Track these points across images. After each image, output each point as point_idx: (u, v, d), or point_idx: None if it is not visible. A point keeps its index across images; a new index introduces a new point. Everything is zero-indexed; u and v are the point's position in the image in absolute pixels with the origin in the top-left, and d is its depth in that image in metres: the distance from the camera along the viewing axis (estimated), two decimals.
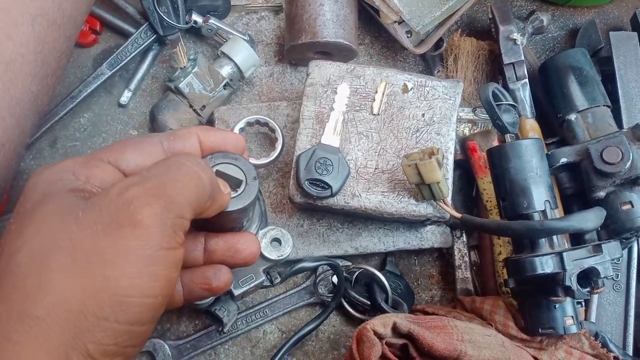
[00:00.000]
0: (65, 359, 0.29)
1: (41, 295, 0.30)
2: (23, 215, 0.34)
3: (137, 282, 0.31)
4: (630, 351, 0.58)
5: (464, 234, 0.63)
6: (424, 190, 0.53)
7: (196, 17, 0.66)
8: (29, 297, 0.30)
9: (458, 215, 0.54)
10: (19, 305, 0.30)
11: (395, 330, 0.49)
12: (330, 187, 0.54)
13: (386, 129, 0.57)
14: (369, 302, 0.60)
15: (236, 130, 0.60)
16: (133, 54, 0.65)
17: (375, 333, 0.48)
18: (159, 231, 0.32)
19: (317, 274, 0.62)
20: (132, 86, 0.67)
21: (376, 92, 0.57)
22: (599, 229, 0.54)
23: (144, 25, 0.65)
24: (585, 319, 0.58)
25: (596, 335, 0.54)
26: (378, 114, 0.57)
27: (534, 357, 0.50)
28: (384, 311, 0.59)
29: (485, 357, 0.46)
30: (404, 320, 0.48)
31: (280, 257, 0.51)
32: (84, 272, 0.30)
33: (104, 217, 0.31)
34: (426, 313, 0.58)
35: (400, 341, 0.48)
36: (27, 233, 0.32)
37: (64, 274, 0.30)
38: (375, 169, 0.56)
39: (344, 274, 0.61)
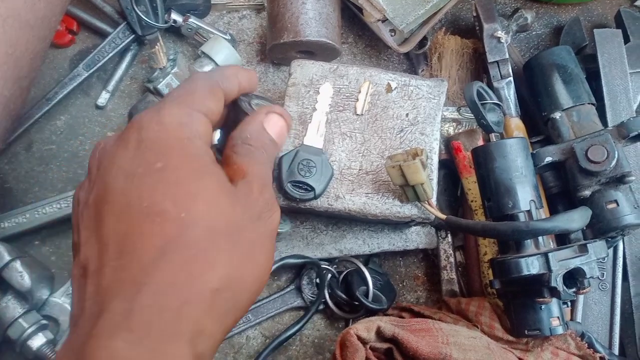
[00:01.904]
0: (222, 327, 0.34)
1: (215, 270, 0.33)
2: (176, 175, 0.34)
3: (269, 267, 0.37)
4: (616, 350, 0.58)
5: (449, 235, 0.62)
6: (408, 191, 0.52)
7: (175, 16, 0.64)
8: (206, 270, 0.32)
9: (443, 216, 0.53)
10: (197, 276, 0.32)
11: (380, 334, 0.48)
12: (313, 189, 0.53)
13: (370, 130, 0.56)
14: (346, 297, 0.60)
15: (217, 132, 0.59)
16: (111, 54, 0.64)
17: (359, 338, 0.47)
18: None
19: (301, 274, 0.61)
20: (110, 87, 0.65)
21: (360, 92, 0.56)
22: (585, 228, 0.54)
23: (122, 25, 0.64)
24: (572, 319, 0.58)
25: (582, 336, 0.54)
26: (362, 114, 0.56)
27: (519, 359, 0.50)
28: (362, 304, 0.58)
29: None
30: (388, 324, 0.47)
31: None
32: (242, 257, 0.34)
33: (253, 213, 0.36)
34: (412, 311, 0.57)
35: (384, 345, 0.48)
36: (196, 206, 0.33)
37: (229, 255, 0.34)
38: (359, 170, 0.55)
39: (331, 270, 0.60)
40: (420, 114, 0.56)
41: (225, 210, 0.34)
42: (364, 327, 0.47)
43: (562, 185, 0.57)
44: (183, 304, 0.31)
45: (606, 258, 0.59)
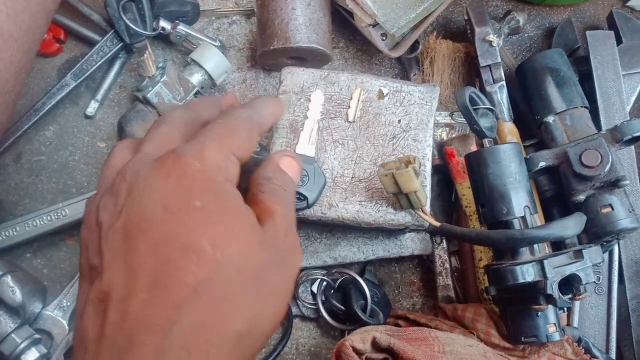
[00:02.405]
0: None
1: (242, 313, 0.33)
2: (213, 216, 0.34)
3: (285, 312, 0.37)
4: (613, 354, 0.57)
5: (444, 240, 0.62)
6: (401, 199, 0.52)
7: (164, 24, 0.63)
8: (234, 313, 0.33)
9: (437, 224, 0.52)
10: (226, 319, 0.32)
11: (375, 345, 0.47)
12: (306, 198, 0.53)
13: (362, 137, 0.55)
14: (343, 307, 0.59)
15: None
16: (99, 63, 0.63)
17: (355, 349, 0.46)
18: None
19: (297, 283, 0.61)
20: (99, 96, 0.64)
21: (351, 98, 0.56)
22: (580, 232, 0.54)
23: (110, 33, 0.63)
24: (568, 324, 0.58)
25: (579, 341, 0.54)
26: (354, 121, 0.56)
27: None
28: (359, 319, 0.57)
29: None
30: (383, 334, 0.47)
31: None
32: (265, 301, 0.35)
33: (279, 257, 0.36)
34: (407, 319, 0.57)
35: (380, 356, 0.47)
36: (231, 248, 0.34)
37: (254, 299, 0.34)
38: (352, 177, 0.55)
39: (326, 279, 0.60)
40: (412, 120, 0.56)
41: (256, 254, 0.35)
42: (360, 339, 0.47)
43: (557, 189, 0.57)
44: (211, 346, 0.31)
45: (602, 262, 0.59)
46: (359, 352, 0.47)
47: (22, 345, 0.54)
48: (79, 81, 0.63)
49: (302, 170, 0.47)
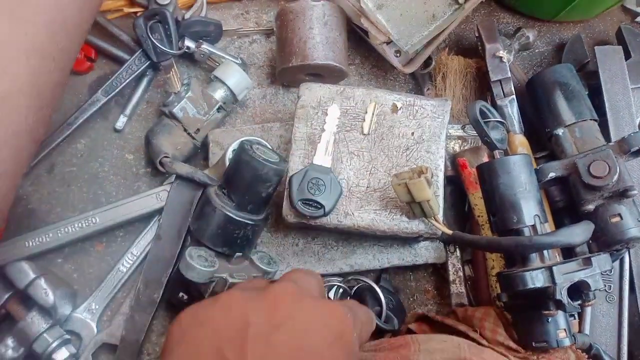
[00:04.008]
0: None
1: None
2: None
3: None
4: None
5: (457, 249, 0.63)
6: (415, 208, 0.54)
7: (189, 43, 0.67)
8: None
9: (449, 231, 0.54)
10: None
11: None
12: (322, 206, 0.55)
13: (377, 148, 0.58)
14: None
15: (229, 151, 0.61)
16: (128, 80, 0.67)
17: None
18: None
19: None
20: (128, 111, 0.68)
21: (366, 112, 0.58)
22: (590, 241, 0.55)
23: (138, 52, 0.67)
24: (580, 331, 0.58)
25: (590, 347, 0.54)
26: (368, 134, 0.58)
27: None
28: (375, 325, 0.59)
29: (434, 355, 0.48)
30: (366, 353, 0.49)
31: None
32: None
33: None
34: (427, 318, 0.59)
35: None
36: None
37: None
38: (367, 187, 0.57)
39: (343, 286, 0.62)
40: (425, 133, 0.58)
41: None
42: None
43: (568, 200, 0.59)
44: None
45: (613, 270, 0.60)
46: None
47: (54, 345, 0.56)
48: (108, 97, 0.67)
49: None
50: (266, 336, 0.38)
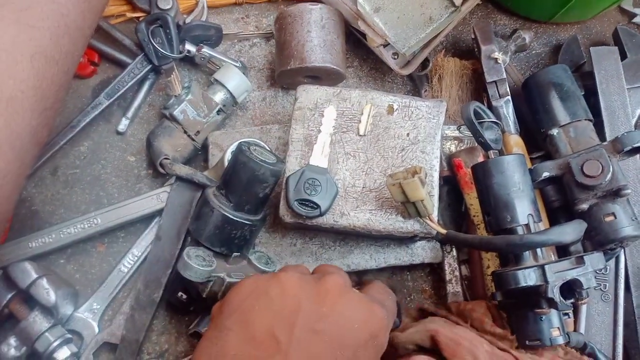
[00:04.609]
0: None
1: None
2: None
3: None
4: None
5: (454, 249, 0.64)
6: (409, 207, 0.54)
7: (189, 47, 0.68)
8: None
9: (443, 231, 0.55)
10: None
11: None
12: (319, 206, 0.56)
13: (372, 149, 0.59)
14: None
15: (228, 153, 0.62)
16: (130, 83, 0.68)
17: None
18: None
19: None
20: (130, 114, 0.69)
21: (362, 113, 0.59)
22: (584, 240, 0.56)
23: (140, 56, 0.68)
24: (574, 330, 0.59)
25: (585, 346, 0.55)
26: (364, 135, 0.59)
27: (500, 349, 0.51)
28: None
29: (410, 335, 0.51)
30: None
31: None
32: None
33: None
34: (424, 310, 0.59)
35: None
36: None
37: None
38: (363, 187, 0.58)
39: None
40: (420, 134, 0.59)
41: None
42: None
43: (563, 200, 0.59)
44: None
45: (608, 270, 0.60)
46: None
47: (55, 344, 0.57)
48: (111, 100, 0.68)
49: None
50: (313, 324, 0.41)
